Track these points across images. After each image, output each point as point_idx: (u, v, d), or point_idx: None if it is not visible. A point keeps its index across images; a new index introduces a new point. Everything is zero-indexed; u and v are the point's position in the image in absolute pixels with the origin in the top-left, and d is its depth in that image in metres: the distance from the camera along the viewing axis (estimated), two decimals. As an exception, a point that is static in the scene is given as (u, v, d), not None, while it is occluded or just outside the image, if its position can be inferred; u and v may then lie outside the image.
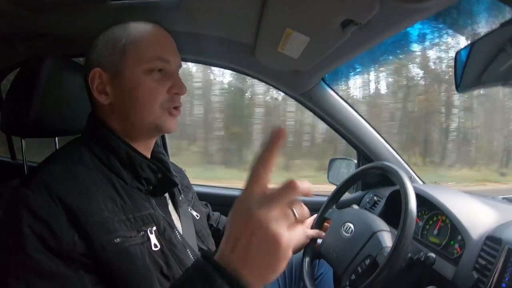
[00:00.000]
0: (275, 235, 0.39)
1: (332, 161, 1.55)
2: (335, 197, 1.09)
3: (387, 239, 0.88)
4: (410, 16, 0.70)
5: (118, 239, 0.58)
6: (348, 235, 0.93)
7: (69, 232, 0.55)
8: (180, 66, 0.75)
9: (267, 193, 0.41)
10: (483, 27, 0.79)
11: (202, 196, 1.05)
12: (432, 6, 0.62)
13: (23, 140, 1.01)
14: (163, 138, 1.52)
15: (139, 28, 0.70)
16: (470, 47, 0.71)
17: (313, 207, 1.44)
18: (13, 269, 0.53)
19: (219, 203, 1.36)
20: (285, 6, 0.74)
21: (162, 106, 0.70)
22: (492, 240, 0.83)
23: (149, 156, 0.77)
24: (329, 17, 0.73)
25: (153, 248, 0.63)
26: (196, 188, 1.03)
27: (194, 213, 0.88)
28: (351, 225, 0.95)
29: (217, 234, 1.02)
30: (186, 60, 1.27)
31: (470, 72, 0.73)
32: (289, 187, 0.40)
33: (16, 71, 1.25)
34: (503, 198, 1.20)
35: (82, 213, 0.56)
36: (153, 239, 0.64)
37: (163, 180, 0.72)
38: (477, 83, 0.73)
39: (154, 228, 0.66)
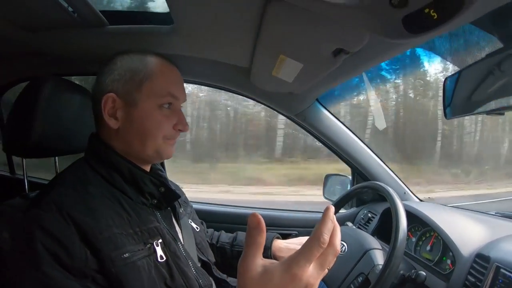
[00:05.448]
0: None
1: (327, 177, 1.56)
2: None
3: (379, 257, 0.90)
4: (399, 46, 0.73)
5: (126, 254, 0.62)
6: (341, 253, 0.95)
7: (81, 249, 0.58)
8: (185, 101, 0.81)
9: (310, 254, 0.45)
10: (471, 56, 0.82)
11: (196, 213, 1.07)
12: (420, 40, 0.64)
13: (24, 160, 1.03)
14: None
15: (157, 63, 0.76)
16: (458, 75, 0.74)
17: (307, 224, 1.47)
18: (27, 287, 0.55)
19: (213, 220, 1.39)
20: (279, 34, 0.77)
21: (165, 138, 0.76)
22: (481, 258, 0.85)
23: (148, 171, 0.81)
24: (321, 46, 0.76)
25: (159, 260, 0.67)
26: None
27: (194, 226, 0.92)
28: (344, 244, 0.97)
29: (211, 249, 1.05)
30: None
31: (459, 98, 0.76)
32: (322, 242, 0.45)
33: (16, 89, 1.28)
34: (495, 213, 1.22)
35: (92, 230, 0.59)
36: (159, 251, 0.68)
37: (165, 194, 0.76)
38: (465, 109, 0.75)
39: (160, 240, 0.69)
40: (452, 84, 0.76)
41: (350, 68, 0.88)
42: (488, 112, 0.68)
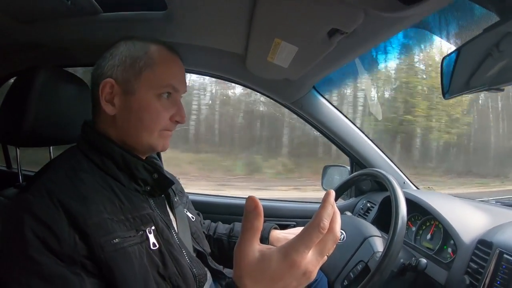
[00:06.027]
0: (311, 276, 0.43)
1: (326, 168, 1.55)
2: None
3: (378, 244, 0.88)
4: (395, 24, 0.71)
5: (116, 239, 0.60)
6: (340, 241, 0.94)
7: (70, 234, 0.56)
8: (185, 92, 0.79)
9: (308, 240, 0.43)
10: (468, 33, 0.80)
11: (193, 205, 1.06)
12: (415, 14, 0.62)
13: (17, 149, 1.02)
14: None
15: (158, 52, 0.73)
16: (457, 53, 0.72)
17: (306, 214, 1.46)
18: (16, 273, 0.54)
19: (210, 211, 1.38)
20: (273, 17, 0.76)
21: (161, 129, 0.74)
22: (483, 244, 0.83)
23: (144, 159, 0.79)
24: (315, 27, 0.75)
25: (152, 247, 0.65)
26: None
27: (190, 215, 0.90)
28: (343, 232, 0.96)
29: (208, 240, 1.04)
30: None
31: (458, 77, 0.74)
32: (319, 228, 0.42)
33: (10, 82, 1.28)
34: (496, 202, 1.21)
35: (81, 215, 0.58)
36: (152, 238, 0.66)
37: (159, 180, 0.75)
38: (465, 88, 0.73)
39: (153, 227, 0.68)
40: (450, 64, 0.74)
41: (346, 51, 0.87)
42: (488, 89, 0.67)
